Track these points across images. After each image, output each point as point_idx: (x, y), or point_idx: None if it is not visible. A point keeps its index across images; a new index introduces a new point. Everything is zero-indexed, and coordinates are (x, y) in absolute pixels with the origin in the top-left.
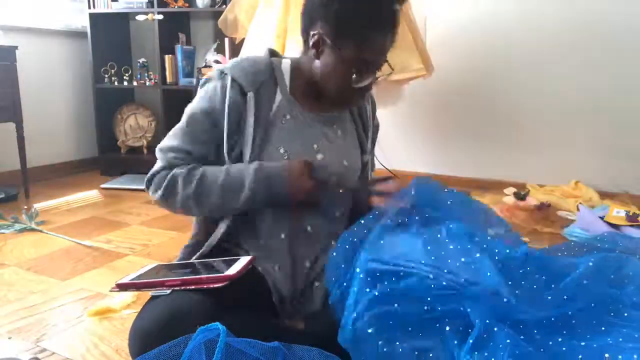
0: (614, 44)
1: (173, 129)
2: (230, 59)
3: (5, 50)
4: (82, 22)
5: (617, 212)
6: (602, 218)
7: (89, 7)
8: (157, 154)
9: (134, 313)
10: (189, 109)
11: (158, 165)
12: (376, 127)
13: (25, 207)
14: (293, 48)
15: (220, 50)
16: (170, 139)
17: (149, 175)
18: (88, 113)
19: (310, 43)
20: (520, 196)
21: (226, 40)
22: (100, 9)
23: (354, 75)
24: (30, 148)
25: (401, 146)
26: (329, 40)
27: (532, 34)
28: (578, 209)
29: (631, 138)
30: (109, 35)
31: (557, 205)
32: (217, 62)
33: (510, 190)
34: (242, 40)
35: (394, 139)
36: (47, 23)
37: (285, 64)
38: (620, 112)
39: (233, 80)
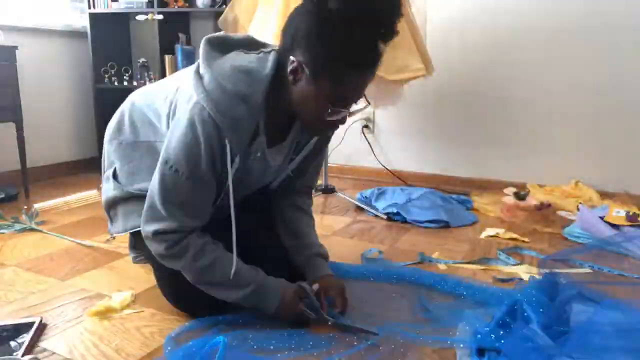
0: (615, 43)
1: (175, 183)
2: None
3: (5, 50)
4: (82, 22)
5: (617, 212)
6: (602, 218)
7: (89, 7)
8: (165, 208)
9: (134, 313)
10: (191, 168)
11: (171, 223)
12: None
13: (25, 207)
14: None
15: None
16: (180, 197)
17: (158, 228)
18: (88, 113)
19: (289, 69)
20: (520, 196)
21: None
22: (100, 9)
23: (329, 110)
24: (30, 148)
25: (401, 146)
26: (308, 70)
27: (533, 34)
28: (578, 209)
29: (631, 138)
30: (109, 35)
31: (557, 205)
32: None
33: (510, 190)
34: None
35: (394, 139)
36: (47, 23)
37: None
38: (621, 112)
39: (230, 146)
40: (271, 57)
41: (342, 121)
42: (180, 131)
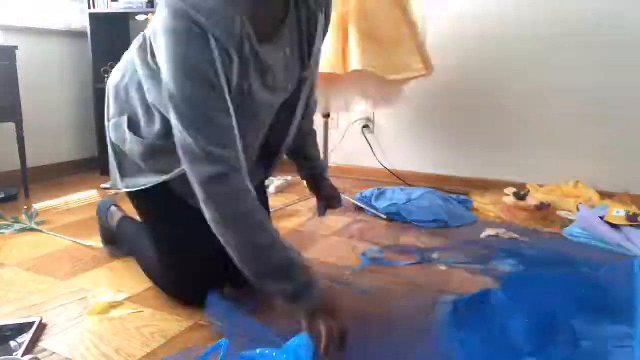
0: (614, 43)
1: (185, 107)
2: None
3: (5, 50)
4: (82, 22)
5: (617, 212)
6: (602, 218)
7: (89, 7)
8: (196, 149)
9: (134, 313)
10: (190, 75)
11: (215, 167)
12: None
13: (25, 207)
14: None
15: None
16: (200, 117)
17: (207, 176)
18: (88, 113)
19: None
20: (520, 196)
21: None
22: (100, 9)
23: None
24: (30, 148)
25: (401, 146)
26: None
27: (533, 34)
28: (578, 209)
29: (631, 138)
30: (109, 35)
31: (557, 205)
32: None
33: (510, 190)
34: None
35: (394, 139)
36: (47, 23)
37: None
38: (621, 112)
39: (220, 44)
40: None
41: None
42: (165, 49)
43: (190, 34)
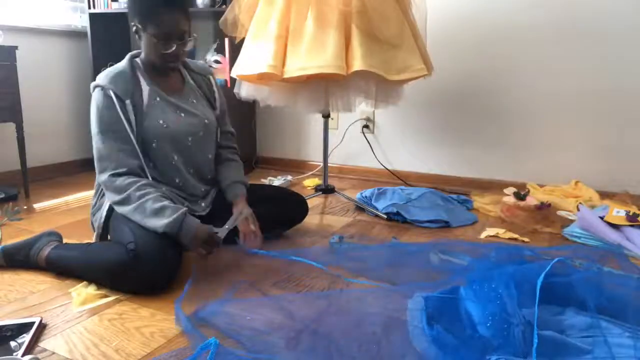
0: (615, 43)
1: (98, 145)
2: (230, 58)
3: (5, 50)
4: (82, 22)
5: (617, 212)
6: (602, 218)
7: (89, 7)
8: (102, 164)
9: (131, 313)
10: (99, 124)
11: (114, 169)
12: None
13: (11, 205)
14: (294, 47)
15: (220, 50)
16: (107, 150)
17: (112, 174)
18: (88, 113)
19: (134, 34)
20: (520, 196)
21: (226, 40)
22: (100, 9)
23: (160, 45)
24: (30, 148)
25: (401, 146)
26: (140, 26)
27: (533, 33)
28: (578, 209)
29: (631, 138)
30: (109, 35)
31: (557, 205)
32: (217, 62)
33: (510, 190)
34: (242, 40)
35: (394, 139)
36: (47, 23)
37: (139, 60)
38: (621, 112)
39: (114, 93)
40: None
41: (176, 53)
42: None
43: (97, 93)
